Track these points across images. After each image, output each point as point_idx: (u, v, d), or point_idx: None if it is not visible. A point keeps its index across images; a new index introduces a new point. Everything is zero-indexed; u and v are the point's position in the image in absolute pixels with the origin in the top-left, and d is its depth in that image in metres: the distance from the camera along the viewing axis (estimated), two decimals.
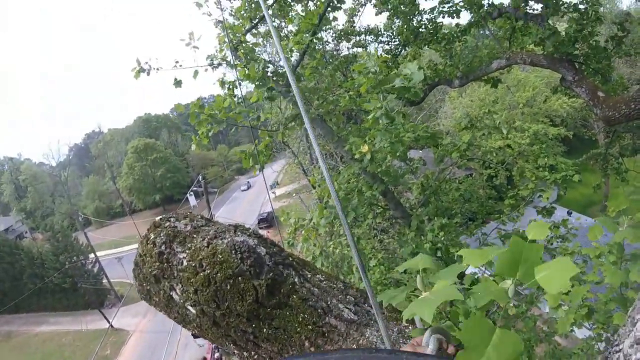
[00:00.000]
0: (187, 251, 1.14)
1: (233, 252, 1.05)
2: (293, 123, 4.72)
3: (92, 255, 33.41)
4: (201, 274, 1.07)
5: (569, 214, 6.80)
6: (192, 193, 38.85)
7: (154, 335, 24.56)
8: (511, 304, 0.74)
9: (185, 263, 1.12)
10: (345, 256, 4.86)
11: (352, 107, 4.70)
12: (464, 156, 5.51)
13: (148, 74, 4.54)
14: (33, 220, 53.54)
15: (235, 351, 1.13)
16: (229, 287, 1.04)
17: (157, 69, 4.58)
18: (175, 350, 21.85)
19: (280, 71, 4.64)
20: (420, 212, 5.33)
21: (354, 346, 1.00)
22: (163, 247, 1.17)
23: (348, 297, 1.15)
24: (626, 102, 4.55)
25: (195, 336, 19.67)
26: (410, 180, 6.58)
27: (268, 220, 33.16)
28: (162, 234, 1.20)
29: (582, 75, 5.12)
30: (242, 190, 51.17)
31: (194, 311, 1.13)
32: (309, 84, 4.58)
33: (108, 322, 24.85)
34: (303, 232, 4.98)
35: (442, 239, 4.36)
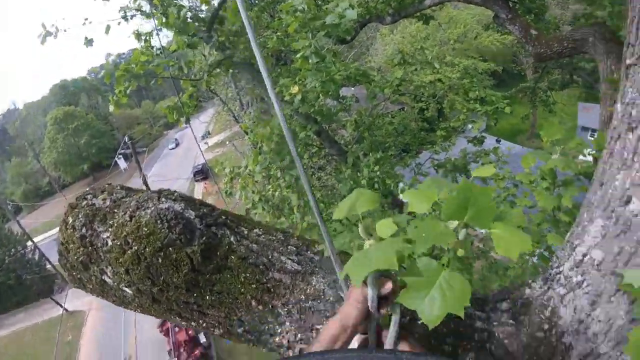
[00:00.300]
0: (109, 229, 1.04)
1: (159, 221, 0.97)
2: (218, 69, 4.50)
3: (29, 243, 31.37)
4: (129, 252, 0.99)
5: (498, 141, 7.25)
6: (120, 156, 36.89)
7: (110, 309, 24.08)
8: (458, 244, 0.74)
9: (110, 243, 1.03)
10: (285, 197, 4.88)
11: (281, 48, 4.56)
12: (397, 91, 5.59)
13: (56, 37, 4.12)
14: None
15: (183, 323, 1.09)
16: (160, 260, 0.97)
17: (65, 30, 4.17)
18: (134, 317, 21.71)
19: (202, 16, 4.35)
20: (355, 148, 5.43)
21: (302, 297, 1.00)
22: (84, 230, 1.07)
23: (289, 247, 1.13)
24: (559, 40, 4.82)
25: None
26: (343, 117, 6.62)
27: (204, 172, 32.19)
28: (80, 216, 1.09)
29: (515, 14, 5.35)
30: (171, 149, 48.35)
31: (130, 292, 1.06)
32: (233, 27, 4.33)
33: (62, 307, 23.83)
34: (240, 180, 4.93)
35: (378, 173, 4.47)
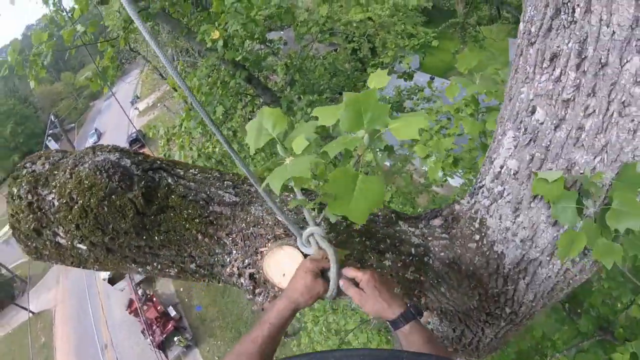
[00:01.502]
0: (53, 191, 1.08)
1: (98, 173, 1.02)
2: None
3: None
4: (75, 207, 1.04)
5: (432, 79, 7.45)
6: (49, 138, 34.31)
7: (75, 300, 23.46)
8: (368, 151, 0.83)
9: (56, 203, 1.06)
10: (226, 153, 4.87)
11: None
12: (324, 30, 5.54)
13: None
14: None
15: (139, 269, 1.15)
16: (106, 209, 1.02)
17: None
18: (100, 304, 21.18)
19: None
20: (288, 92, 5.39)
21: (243, 225, 1.09)
22: (29, 197, 1.09)
23: (225, 182, 1.21)
24: None
25: (111, 282, 19.26)
26: (273, 62, 6.52)
27: (140, 140, 30.44)
28: (23, 184, 1.11)
29: None
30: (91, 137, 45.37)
31: (84, 247, 1.11)
32: None
33: (27, 310, 22.75)
34: (176, 140, 4.84)
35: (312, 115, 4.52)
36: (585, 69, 0.94)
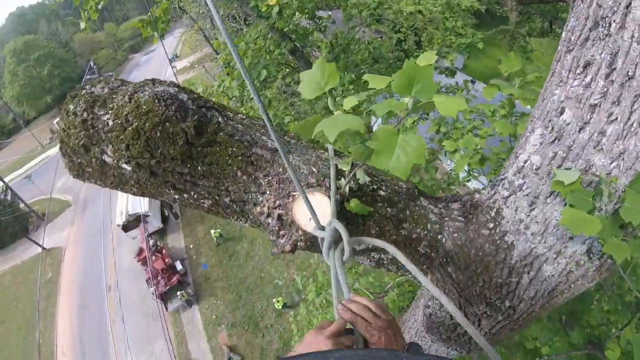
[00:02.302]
0: (110, 112, 1.15)
1: (156, 101, 1.10)
2: None
3: (0, 184, 30.29)
4: (129, 129, 1.12)
5: (473, 82, 7.36)
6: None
7: (87, 241, 24.17)
8: (406, 112, 0.89)
9: (111, 123, 1.14)
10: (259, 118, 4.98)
11: None
12: (373, 15, 5.53)
13: None
14: None
15: (176, 196, 1.25)
16: (158, 134, 1.11)
17: None
18: (111, 248, 21.88)
19: None
20: None
21: (280, 169, 1.18)
22: (85, 115, 1.17)
23: (268, 131, 1.28)
24: None
25: (125, 229, 19.86)
26: (319, 39, 6.53)
27: None
28: (81, 102, 1.18)
29: None
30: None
31: (129, 168, 1.20)
32: None
33: (39, 245, 23.73)
34: (213, 99, 4.95)
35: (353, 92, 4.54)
36: (614, 79, 1.02)
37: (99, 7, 4.00)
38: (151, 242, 19.59)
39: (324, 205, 1.11)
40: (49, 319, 20.92)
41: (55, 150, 34.82)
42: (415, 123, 5.00)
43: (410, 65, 0.88)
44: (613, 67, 1.01)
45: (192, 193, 1.23)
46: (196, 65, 30.17)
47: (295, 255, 15.54)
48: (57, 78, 48.49)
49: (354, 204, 1.15)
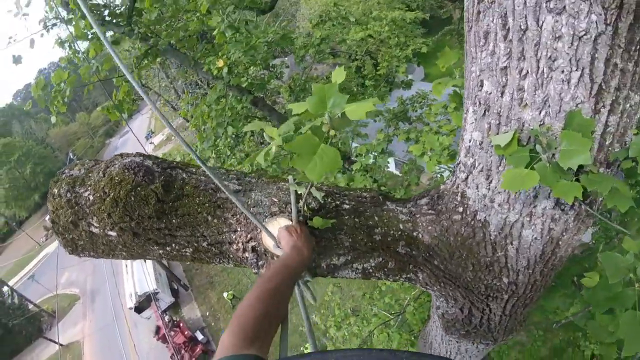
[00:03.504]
0: (89, 188, 1.32)
1: (126, 171, 1.27)
2: (145, 61, 4.60)
3: (5, 289, 30.00)
4: (107, 199, 1.27)
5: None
6: None
7: (103, 331, 23.69)
8: (333, 129, 1.01)
9: (91, 198, 1.30)
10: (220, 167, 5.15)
11: (203, 28, 4.68)
12: (320, 51, 5.80)
13: None
14: None
15: (160, 251, 1.37)
16: (132, 198, 1.26)
17: None
18: (128, 331, 21.39)
19: (118, 11, 4.38)
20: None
21: (245, 207, 1.30)
22: (69, 195, 1.33)
23: (230, 176, 1.45)
24: None
25: (138, 311, 19.50)
26: (278, 86, 6.79)
27: None
28: (63, 185, 1.35)
29: None
30: None
31: (114, 234, 1.34)
32: (152, 16, 4.42)
33: (56, 343, 23.35)
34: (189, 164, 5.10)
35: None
36: (511, 38, 1.09)
37: (65, 100, 4.19)
38: (167, 318, 19.27)
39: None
40: None
41: (53, 246, 34.62)
42: (386, 139, 5.18)
43: (317, 87, 1.01)
44: (507, 27, 1.07)
45: (173, 245, 1.36)
46: (172, 137, 30.68)
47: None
48: (41, 175, 48.61)
49: (316, 221, 1.26)
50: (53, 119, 4.39)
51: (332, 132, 0.95)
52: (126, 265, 21.56)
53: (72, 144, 54.77)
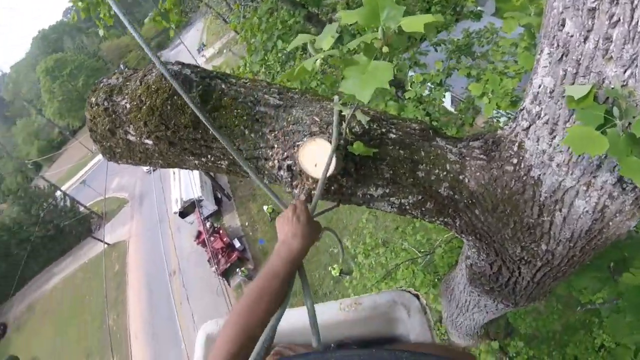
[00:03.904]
0: (126, 97, 1.29)
1: (162, 79, 1.22)
2: None
3: (58, 193, 32.96)
4: (144, 108, 1.24)
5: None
6: None
7: (148, 232, 25.83)
8: (381, 43, 0.89)
9: (128, 106, 1.28)
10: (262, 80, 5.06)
11: None
12: None
13: None
14: None
15: (196, 161, 1.35)
16: (169, 107, 1.22)
17: None
18: (171, 234, 23.15)
19: None
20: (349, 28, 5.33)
21: (284, 123, 1.24)
22: (106, 103, 1.31)
23: (272, 89, 1.37)
24: None
25: (182, 216, 20.94)
26: (334, 1, 6.43)
27: None
28: (100, 94, 1.33)
29: None
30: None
31: (150, 142, 1.33)
32: None
33: (103, 242, 25.73)
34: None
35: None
36: None
37: (111, 12, 4.13)
38: (208, 224, 20.69)
39: (327, 151, 1.16)
40: (120, 307, 22.91)
41: None
42: (446, 71, 4.85)
43: None
44: None
45: (208, 156, 1.34)
46: (224, 51, 30.52)
47: (347, 222, 15.77)
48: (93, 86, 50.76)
49: (357, 146, 1.18)
50: (101, 32, 4.38)
51: (384, 49, 0.82)
52: (174, 172, 22.84)
53: (124, 57, 55.98)
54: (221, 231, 20.12)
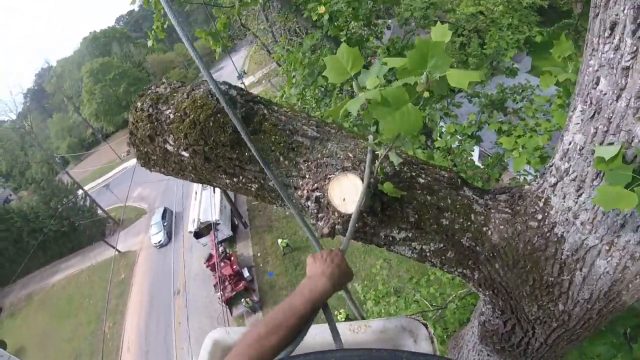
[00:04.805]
0: (171, 107, 1.35)
1: (209, 96, 1.27)
2: None
3: (80, 192, 33.67)
4: (187, 120, 1.29)
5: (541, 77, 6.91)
6: None
7: (160, 247, 25.66)
8: (423, 87, 0.92)
9: (172, 116, 1.33)
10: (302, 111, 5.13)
11: None
12: (427, 16, 5.50)
13: None
14: (13, 180, 51.45)
15: (227, 180, 1.38)
16: (211, 123, 1.27)
17: None
18: (182, 253, 23.18)
19: None
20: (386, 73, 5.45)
21: (319, 155, 1.27)
22: (150, 110, 1.37)
23: (311, 121, 1.41)
24: None
25: (197, 236, 21.01)
26: (376, 46, 6.60)
27: None
28: (147, 100, 1.40)
29: None
30: None
31: (187, 155, 1.37)
32: None
33: (114, 248, 25.95)
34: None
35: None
36: None
37: (165, 26, 4.35)
38: (221, 249, 20.67)
39: (356, 187, 1.17)
40: (118, 316, 22.70)
41: (132, 162, 37.96)
42: (477, 124, 4.88)
43: (422, 41, 0.91)
44: (638, 22, 0.92)
45: (240, 177, 1.37)
46: (263, 81, 31.43)
47: (360, 267, 15.52)
48: (133, 95, 52.01)
49: (387, 186, 1.19)
50: (149, 43, 4.59)
51: (425, 94, 0.85)
52: (196, 192, 23.13)
53: (167, 72, 58.15)
54: (232, 258, 20.10)
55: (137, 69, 58.77)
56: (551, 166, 1.39)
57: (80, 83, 56.06)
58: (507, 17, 6.06)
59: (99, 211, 32.85)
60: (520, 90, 6.14)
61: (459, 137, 4.63)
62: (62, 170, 36.69)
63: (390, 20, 9.15)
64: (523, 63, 20.41)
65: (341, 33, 4.64)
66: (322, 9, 3.87)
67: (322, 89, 5.45)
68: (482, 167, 4.98)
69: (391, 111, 0.86)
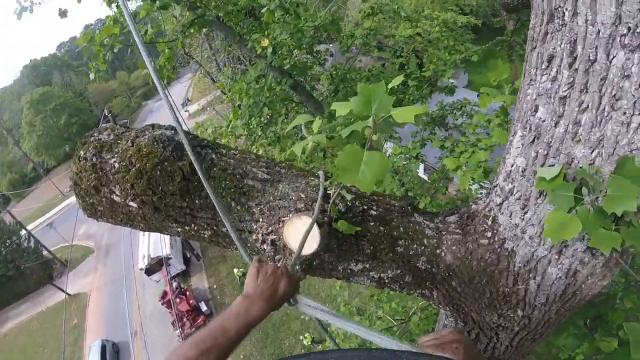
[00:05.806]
0: (115, 156, 1.29)
1: (155, 143, 1.24)
2: (191, 30, 4.60)
3: (23, 232, 31.33)
4: (133, 170, 1.25)
5: (479, 97, 7.33)
6: None
7: (111, 287, 24.50)
8: (375, 134, 0.96)
9: (117, 166, 1.28)
10: (268, 151, 5.10)
11: (252, 4, 4.65)
12: (367, 43, 5.71)
13: (31, 11, 4.15)
14: None
15: (179, 229, 1.34)
16: (158, 172, 1.23)
17: (40, 3, 4.20)
18: (135, 291, 22.04)
19: None
20: (331, 99, 5.59)
21: (271, 198, 1.27)
22: (94, 159, 1.31)
23: (260, 163, 1.40)
24: None
25: (148, 273, 20.02)
26: (319, 72, 6.75)
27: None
28: (90, 148, 1.33)
29: None
30: None
31: (135, 205, 1.31)
32: None
33: (63, 292, 24.19)
34: (223, 140, 5.13)
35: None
36: (577, 67, 1.03)
37: (107, 59, 4.23)
38: (175, 284, 19.77)
39: (312, 228, 1.18)
40: None
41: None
42: (421, 143, 5.08)
43: (363, 87, 0.95)
44: (574, 55, 1.02)
45: (192, 225, 1.33)
46: (207, 108, 31.15)
47: (320, 289, 15.39)
48: (75, 126, 50.24)
49: (341, 225, 1.21)
50: (92, 76, 4.45)
51: (374, 137, 0.88)
52: None
53: (109, 101, 56.13)
54: (187, 293, 19.36)
55: (78, 99, 56.37)
56: (495, 186, 1.46)
57: (21, 114, 52.77)
58: (443, 40, 6.45)
59: (45, 252, 30.65)
60: (459, 106, 6.48)
61: (405, 157, 4.79)
62: (3, 209, 33.95)
63: (332, 45, 9.42)
64: (460, 79, 21.56)
65: (285, 61, 4.73)
66: (265, 42, 3.93)
67: (268, 117, 5.49)
68: (428, 181, 5.18)
69: (356, 170, 0.88)
